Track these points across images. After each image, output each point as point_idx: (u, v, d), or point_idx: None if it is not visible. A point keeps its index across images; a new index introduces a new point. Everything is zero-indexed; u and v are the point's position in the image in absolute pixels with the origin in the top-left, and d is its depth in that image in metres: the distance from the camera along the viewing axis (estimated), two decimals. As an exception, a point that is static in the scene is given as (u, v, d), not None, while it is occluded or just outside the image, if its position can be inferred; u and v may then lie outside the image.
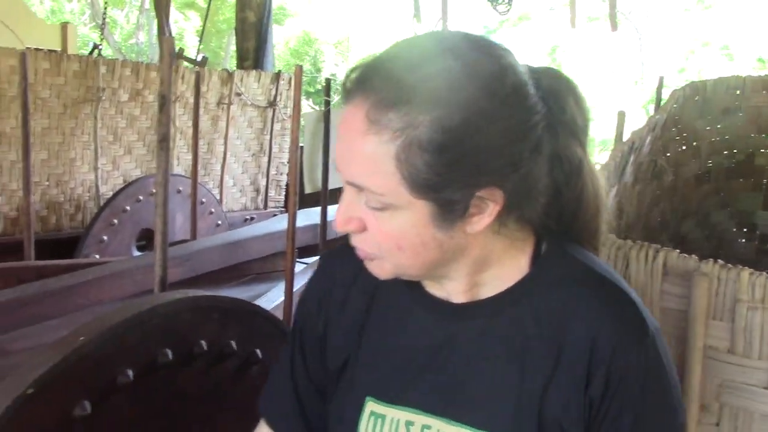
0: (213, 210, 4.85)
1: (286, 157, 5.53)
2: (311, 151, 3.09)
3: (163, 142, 1.83)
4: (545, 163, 0.91)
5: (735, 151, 3.21)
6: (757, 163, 3.19)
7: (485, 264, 0.95)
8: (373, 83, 0.85)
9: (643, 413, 0.90)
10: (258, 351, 1.76)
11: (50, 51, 4.75)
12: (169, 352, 1.53)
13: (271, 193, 5.68)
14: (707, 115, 3.13)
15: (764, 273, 1.32)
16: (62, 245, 4.22)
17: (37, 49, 4.49)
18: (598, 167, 1.41)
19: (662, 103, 3.06)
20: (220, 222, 4.89)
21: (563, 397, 0.91)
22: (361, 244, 0.93)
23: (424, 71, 0.83)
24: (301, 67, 2.33)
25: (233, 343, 1.69)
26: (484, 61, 0.86)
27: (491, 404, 0.93)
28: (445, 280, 0.97)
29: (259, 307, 1.82)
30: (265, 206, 5.64)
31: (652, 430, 0.92)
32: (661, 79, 3.12)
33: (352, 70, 0.88)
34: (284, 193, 5.67)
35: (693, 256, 1.39)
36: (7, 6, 5.35)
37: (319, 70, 20.71)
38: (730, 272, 1.33)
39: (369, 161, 0.85)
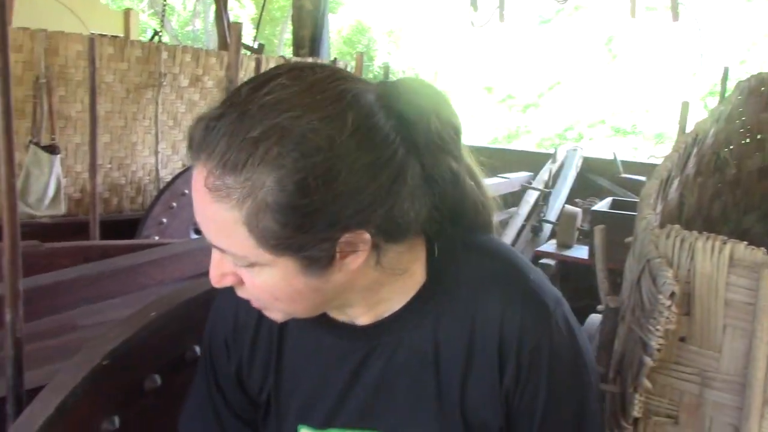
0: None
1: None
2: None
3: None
4: (414, 189, 0.87)
5: (800, 144, 3.14)
6: (823, 158, 3.11)
7: (377, 287, 0.94)
8: (210, 144, 0.81)
9: (554, 386, 0.92)
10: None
11: (114, 36, 4.87)
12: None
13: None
14: (772, 107, 3.06)
15: (836, 267, 1.29)
16: (123, 226, 4.33)
17: (101, 35, 4.61)
18: (660, 160, 1.38)
19: (726, 94, 2.99)
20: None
21: (481, 393, 0.93)
22: (244, 294, 0.93)
23: (257, 130, 0.78)
24: (362, 54, 2.35)
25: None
26: (319, 107, 0.80)
27: (416, 412, 0.95)
28: (345, 307, 0.98)
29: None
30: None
31: (565, 397, 0.94)
32: (726, 70, 3.05)
33: (196, 123, 0.84)
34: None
35: (761, 248, 1.36)
36: (73, -8, 5.51)
37: (371, 59, 20.74)
38: (799, 265, 1.31)
39: (220, 227, 0.82)
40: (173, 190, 4.30)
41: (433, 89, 0.91)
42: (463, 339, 0.93)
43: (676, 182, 2.27)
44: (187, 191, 4.35)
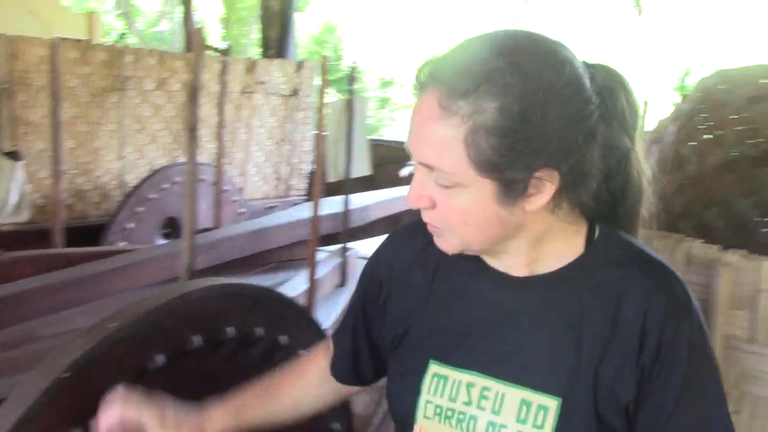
0: (235, 198, 4.89)
1: (308, 145, 5.56)
2: (336, 140, 3.10)
3: (192, 132, 1.87)
4: (598, 150, 0.97)
5: (761, 139, 3.19)
6: (783, 152, 3.17)
7: (542, 241, 1.02)
8: (444, 75, 0.94)
9: (689, 374, 0.98)
10: (283, 337, 1.79)
11: (78, 40, 4.82)
12: (199, 338, 1.56)
13: (293, 181, 5.71)
14: (732, 104, 3.10)
15: (787, 263, 1.33)
16: (88, 233, 4.27)
17: (65, 39, 4.55)
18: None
19: (687, 91, 3.03)
20: (242, 210, 4.92)
21: (618, 363, 0.97)
22: (430, 219, 1.01)
23: (490, 65, 0.92)
24: (326, 57, 2.35)
25: (259, 330, 1.73)
26: (544, 56, 0.94)
27: (549, 367, 1.00)
28: (505, 255, 1.04)
29: (283, 295, 1.85)
30: (287, 194, 5.68)
31: (698, 387, 1.00)
32: (687, 69, 3.09)
33: (425, 65, 0.96)
34: (306, 181, 5.69)
35: (716, 246, 1.40)
36: (34, -4, 5.42)
37: (340, 58, 20.71)
38: (752, 262, 1.34)
39: (440, 144, 0.93)
40: (139, 195, 4.25)
41: (622, 75, 1.02)
42: (608, 312, 0.99)
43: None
44: (153, 196, 4.32)
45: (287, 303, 1.85)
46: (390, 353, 1.17)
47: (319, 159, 2.43)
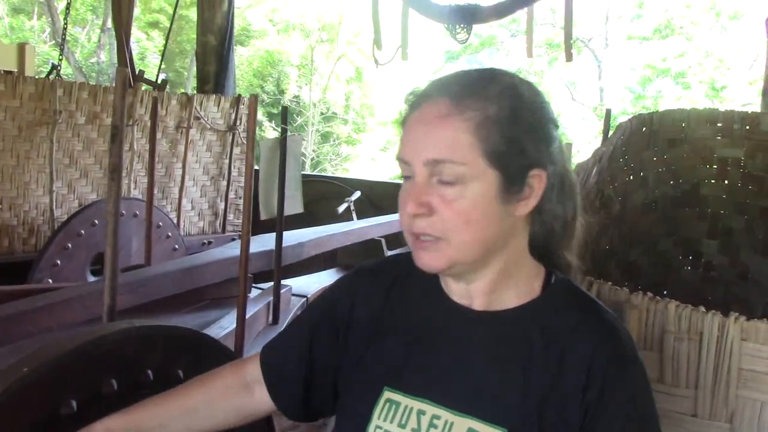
0: (170, 234, 4.82)
1: (243, 181, 5.53)
2: (267, 177, 3.10)
3: (114, 173, 1.84)
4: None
5: (681, 181, 3.31)
6: (702, 193, 3.29)
7: (511, 267, 1.12)
8: (451, 84, 1.08)
9: (630, 420, 1.05)
10: (206, 379, 1.77)
11: (7, 72, 4.71)
12: (114, 382, 1.53)
13: (230, 217, 5.67)
14: (654, 146, 3.22)
15: (689, 306, 1.38)
16: (15, 269, 4.15)
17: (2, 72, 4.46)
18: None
19: (609, 134, 3.14)
20: (177, 246, 4.86)
21: (562, 403, 1.05)
22: (427, 228, 1.06)
23: (488, 77, 1.08)
24: (256, 96, 2.36)
25: (180, 372, 1.70)
26: (522, 80, 1.11)
27: (497, 400, 1.07)
28: (480, 275, 1.11)
29: (207, 335, 1.83)
30: (224, 230, 5.63)
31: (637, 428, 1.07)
32: (608, 111, 3.20)
33: (425, 86, 1.11)
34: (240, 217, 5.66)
35: (624, 288, 1.44)
36: (-37, 26, 5.29)
37: (283, 92, 20.70)
38: (658, 304, 1.39)
39: (452, 137, 1.03)
40: (68, 231, 4.16)
41: None
42: (556, 354, 1.06)
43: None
44: (83, 231, 4.23)
45: (210, 344, 1.83)
46: (344, 381, 1.22)
47: (247, 196, 2.42)
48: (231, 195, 5.59)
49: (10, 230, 4.38)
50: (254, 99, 2.40)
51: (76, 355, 1.47)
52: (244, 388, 1.31)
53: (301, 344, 1.26)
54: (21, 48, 5.67)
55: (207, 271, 3.19)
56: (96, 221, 4.31)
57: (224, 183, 5.55)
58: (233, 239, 5.33)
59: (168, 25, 15.35)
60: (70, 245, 4.16)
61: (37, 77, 4.67)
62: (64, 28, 6.00)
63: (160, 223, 4.74)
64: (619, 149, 3.08)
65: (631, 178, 3.23)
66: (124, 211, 4.50)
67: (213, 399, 1.31)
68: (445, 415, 1.08)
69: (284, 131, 3.08)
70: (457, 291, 1.16)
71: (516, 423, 1.05)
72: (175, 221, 5.13)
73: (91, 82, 4.85)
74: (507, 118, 1.04)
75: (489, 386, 1.08)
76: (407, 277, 1.21)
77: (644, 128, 3.20)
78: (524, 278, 1.14)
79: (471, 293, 1.14)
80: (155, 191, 5.10)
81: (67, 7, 5.85)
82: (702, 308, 1.37)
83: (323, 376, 1.25)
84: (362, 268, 1.30)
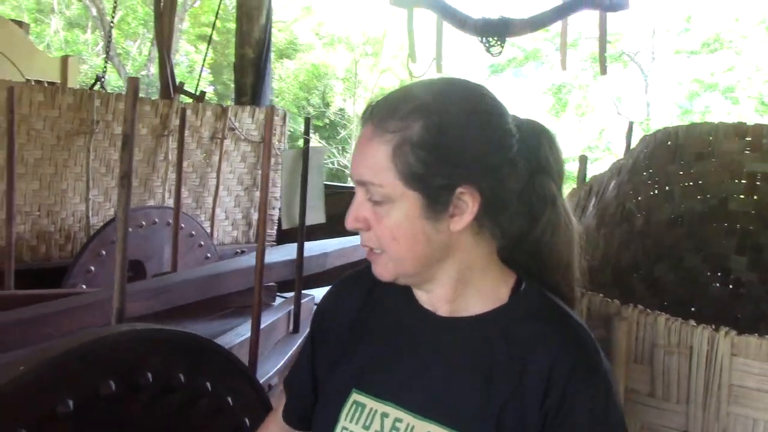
0: (202, 243, 4.89)
1: (278, 191, 5.59)
2: (289, 188, 3.14)
3: (125, 179, 1.89)
4: (519, 181, 1.10)
5: (708, 195, 3.25)
6: (730, 208, 3.22)
7: (467, 279, 1.13)
8: (380, 107, 1.09)
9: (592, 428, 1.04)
10: (208, 384, 1.80)
11: (49, 83, 4.86)
12: (112, 383, 1.57)
13: (264, 226, 5.73)
14: (680, 160, 3.17)
15: (680, 319, 1.35)
16: (51, 275, 4.26)
17: (38, 82, 4.61)
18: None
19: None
20: (209, 255, 4.93)
21: (522, 410, 1.05)
22: (367, 241, 1.11)
23: (415, 93, 1.08)
24: (272, 107, 2.40)
25: (182, 376, 1.73)
26: (468, 89, 1.10)
27: (457, 405, 1.08)
28: (433, 286, 1.13)
29: (210, 341, 1.86)
30: (257, 240, 5.69)
31: None
32: (631, 124, 3.17)
33: (366, 107, 1.12)
34: (276, 227, 5.72)
35: (615, 300, 1.42)
36: (9, 39, 5.48)
37: (328, 105, 20.89)
38: (648, 317, 1.37)
39: (373, 160, 1.05)
40: (103, 238, 4.25)
41: (547, 129, 1.18)
42: (517, 362, 1.07)
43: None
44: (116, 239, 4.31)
45: (213, 349, 1.86)
46: (321, 386, 1.25)
47: (263, 206, 2.46)
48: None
49: (48, 237, 4.49)
50: (270, 110, 2.44)
51: (74, 355, 1.51)
52: None
53: (309, 357, 1.31)
54: (64, 60, 5.86)
55: (230, 279, 3.24)
56: (129, 229, 4.40)
57: (258, 194, 5.61)
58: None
59: (216, 39, 15.66)
60: (104, 252, 4.24)
61: (76, 88, 4.80)
62: (108, 42, 6.19)
63: (193, 232, 4.82)
64: (641, 163, 3.04)
65: (656, 192, 3.18)
66: (157, 219, 4.60)
67: None
68: (407, 418, 1.10)
69: (306, 142, 3.12)
70: (421, 298, 1.18)
71: (474, 429, 1.06)
72: (208, 231, 5.21)
73: (140, 95, 4.96)
74: (422, 140, 1.04)
75: (450, 392, 1.09)
76: (385, 282, 1.23)
77: (669, 142, 3.15)
78: (489, 285, 1.14)
79: (433, 300, 1.16)
80: (189, 201, 5.21)
81: (111, 22, 6.02)
82: (692, 322, 1.35)
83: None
84: (346, 275, 1.33)
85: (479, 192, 1.06)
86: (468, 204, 1.06)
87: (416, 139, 1.03)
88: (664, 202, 3.21)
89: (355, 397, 1.16)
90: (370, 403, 1.14)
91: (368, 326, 1.22)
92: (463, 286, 1.13)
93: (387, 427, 1.11)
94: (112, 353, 1.60)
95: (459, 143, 1.05)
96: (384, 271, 1.12)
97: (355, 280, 1.29)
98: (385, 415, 1.12)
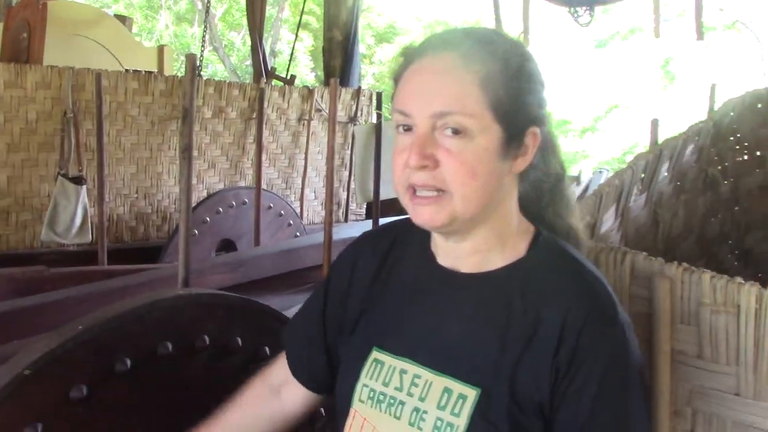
0: (291, 222, 5.02)
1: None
2: (363, 162, 3.17)
3: (186, 152, 1.97)
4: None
5: (806, 161, 3.06)
6: (828, 173, 3.02)
7: (505, 226, 1.13)
8: (455, 40, 1.08)
9: (607, 383, 1.02)
10: (266, 348, 1.84)
11: (147, 72, 5.08)
12: (169, 345, 1.63)
13: (352, 206, 5.81)
14: (773, 124, 2.99)
15: (725, 276, 1.28)
16: (151, 253, 4.48)
17: (135, 72, 4.82)
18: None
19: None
20: (298, 233, 5.05)
21: (535, 363, 1.04)
22: (432, 180, 1.05)
23: (493, 37, 1.10)
24: (336, 80, 2.42)
25: (239, 340, 1.78)
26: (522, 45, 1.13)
27: (473, 360, 1.08)
28: (475, 233, 1.12)
29: (267, 306, 1.91)
30: (346, 218, 5.78)
31: (616, 397, 1.03)
32: (713, 87, 3.00)
33: (426, 40, 1.11)
34: (365, 205, 5.78)
35: (659, 258, 1.36)
36: (111, 33, 5.78)
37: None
38: (692, 275, 1.31)
39: (459, 88, 1.04)
40: (194, 218, 4.42)
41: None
42: (532, 314, 1.06)
43: (642, 198, 2.25)
44: (208, 219, 4.49)
45: (271, 314, 1.90)
46: (342, 344, 1.26)
47: (329, 182, 2.50)
48: (352, 184, 5.71)
49: (145, 218, 4.72)
50: (334, 83, 2.46)
51: (130, 316, 1.59)
52: (272, 394, 1.37)
53: (318, 310, 1.31)
54: (160, 50, 6.12)
55: (305, 254, 3.30)
56: (220, 209, 4.57)
57: (346, 173, 5.69)
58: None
59: (316, 26, 15.89)
60: (196, 231, 4.42)
61: (167, 75, 5.00)
62: (204, 31, 6.42)
63: (282, 212, 4.95)
64: (728, 127, 2.88)
65: (745, 157, 3.01)
66: (246, 200, 4.75)
67: (247, 413, 1.36)
68: (426, 374, 1.10)
69: (379, 117, 3.14)
70: (445, 252, 1.17)
71: (489, 383, 1.05)
72: (297, 211, 5.32)
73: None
74: (511, 75, 1.05)
75: (466, 347, 1.09)
76: (404, 240, 1.24)
77: (759, 104, 2.97)
78: (512, 238, 1.14)
79: (458, 253, 1.15)
80: (279, 181, 5.34)
81: (205, 18, 6.23)
82: (739, 279, 1.27)
83: (333, 341, 1.29)
84: (366, 233, 1.34)
85: (540, 133, 1.10)
86: (530, 145, 1.09)
87: (504, 73, 1.05)
88: (755, 168, 3.04)
89: (375, 354, 1.17)
90: (389, 360, 1.15)
91: (388, 285, 1.22)
92: (494, 237, 1.12)
93: (406, 384, 1.12)
94: (169, 316, 1.66)
95: (536, 86, 1.09)
96: (439, 213, 1.06)
97: (375, 238, 1.29)
98: (403, 371, 1.13)
